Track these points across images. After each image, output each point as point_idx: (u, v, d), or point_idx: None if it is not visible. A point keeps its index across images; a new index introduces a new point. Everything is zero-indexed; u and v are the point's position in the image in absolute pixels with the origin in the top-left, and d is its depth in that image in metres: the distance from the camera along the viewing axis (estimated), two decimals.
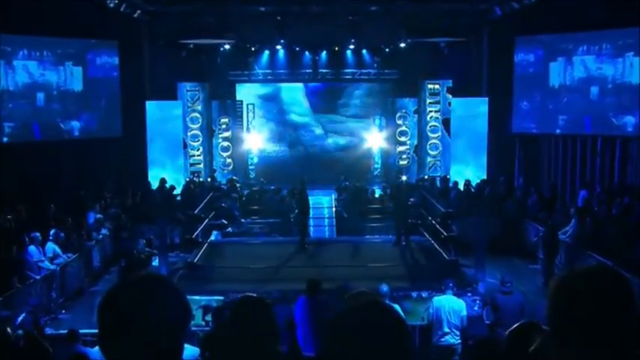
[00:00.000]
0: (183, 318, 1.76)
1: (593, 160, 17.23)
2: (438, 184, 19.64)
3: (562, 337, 1.64)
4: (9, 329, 8.43)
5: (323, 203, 19.38)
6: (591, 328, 1.60)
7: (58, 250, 12.84)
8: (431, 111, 21.88)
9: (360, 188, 19.16)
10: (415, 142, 22.43)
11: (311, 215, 16.41)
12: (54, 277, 12.33)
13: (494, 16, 18.89)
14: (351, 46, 21.58)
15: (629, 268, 9.80)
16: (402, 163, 22.40)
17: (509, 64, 19.26)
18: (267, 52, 21.84)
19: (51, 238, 12.77)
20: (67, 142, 17.81)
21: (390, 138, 22.60)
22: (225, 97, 22.22)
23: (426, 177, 20.95)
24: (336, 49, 21.84)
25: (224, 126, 22.15)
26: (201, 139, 21.32)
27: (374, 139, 22.82)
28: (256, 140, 22.58)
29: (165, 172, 19.01)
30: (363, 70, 22.27)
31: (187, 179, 20.00)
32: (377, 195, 19.61)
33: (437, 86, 21.77)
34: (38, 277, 11.86)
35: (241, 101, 22.55)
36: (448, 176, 19.90)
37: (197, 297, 10.96)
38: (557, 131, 18.53)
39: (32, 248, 12.08)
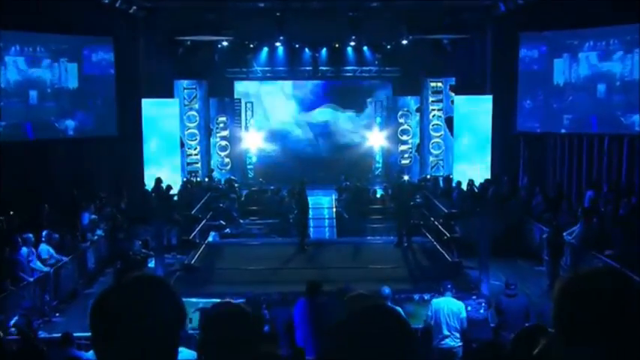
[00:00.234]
0: (179, 320, 1.74)
1: (599, 159, 17.19)
2: (441, 184, 19.62)
3: (568, 339, 1.63)
4: (1, 332, 8.43)
5: (323, 203, 19.37)
6: (598, 330, 1.59)
7: (52, 251, 12.82)
8: (433, 109, 21.87)
9: (361, 188, 19.15)
10: (417, 141, 22.41)
11: (310, 216, 16.40)
12: (47, 279, 12.30)
13: (498, 12, 18.88)
14: (352, 43, 21.57)
15: (636, 270, 9.79)
16: (403, 162, 22.39)
17: (514, 62, 19.21)
18: (266, 49, 21.84)
19: (43, 239, 12.74)
20: (61, 140, 17.74)
21: (391, 137, 22.59)
22: (223, 95, 22.22)
23: (428, 177, 20.94)
24: (337, 45, 21.83)
25: (222, 124, 22.14)
26: (198, 137, 21.30)
27: (375, 138, 22.82)
28: (255, 139, 22.56)
29: (161, 172, 18.98)
30: (364, 68, 22.26)
31: (185, 179, 19.99)
32: (378, 195, 19.60)
33: (439, 84, 21.76)
34: (31, 280, 11.83)
35: (239, 99, 22.54)
36: (451, 176, 19.88)
37: (194, 299, 10.92)
38: (562, 131, 18.48)
39: (25, 250, 12.05)
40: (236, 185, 20.11)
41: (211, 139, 22.00)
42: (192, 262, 14.42)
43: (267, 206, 18.59)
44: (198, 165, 21.35)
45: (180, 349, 1.80)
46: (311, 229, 16.79)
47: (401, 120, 22.54)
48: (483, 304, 9.62)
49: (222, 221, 17.37)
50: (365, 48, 21.88)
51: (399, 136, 22.56)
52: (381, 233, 17.47)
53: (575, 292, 1.64)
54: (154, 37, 19.38)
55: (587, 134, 17.74)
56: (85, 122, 18.35)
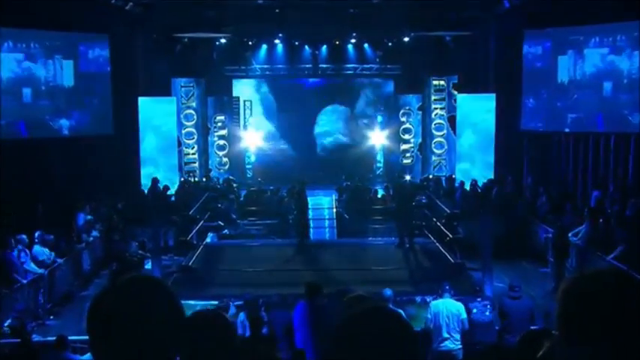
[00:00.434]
0: (177, 322, 1.74)
1: (606, 158, 17.15)
2: (444, 183, 19.60)
3: (572, 342, 1.62)
4: None
5: (323, 204, 19.35)
6: (602, 332, 1.58)
7: (46, 252, 12.79)
8: (436, 108, 21.87)
9: (362, 188, 19.13)
10: (419, 140, 22.41)
11: (310, 216, 16.39)
12: (42, 281, 12.27)
13: (502, 9, 18.82)
14: (353, 41, 21.57)
15: None
16: (405, 161, 22.39)
17: (518, 59, 19.18)
18: (265, 46, 21.84)
19: (36, 240, 12.71)
20: (55, 139, 17.68)
21: (393, 136, 22.58)
22: (222, 94, 22.21)
23: (430, 176, 20.93)
24: (337, 43, 21.84)
25: (220, 123, 22.14)
26: (196, 136, 21.30)
27: (376, 137, 22.81)
28: (254, 138, 22.55)
29: (158, 172, 18.96)
30: (365, 65, 22.27)
31: (182, 179, 19.97)
32: (379, 195, 19.59)
33: (442, 82, 21.76)
34: (25, 282, 11.80)
35: (238, 97, 22.54)
36: (454, 176, 19.86)
37: (192, 302, 10.91)
38: (567, 130, 18.42)
39: (18, 251, 12.02)
40: (235, 186, 20.10)
41: (209, 139, 21.99)
42: (190, 263, 14.40)
43: (267, 207, 18.57)
44: (196, 165, 21.34)
45: None
46: (311, 230, 16.76)
47: (403, 119, 22.53)
48: (489, 307, 9.60)
49: (220, 222, 17.35)
50: (366, 45, 21.88)
51: (401, 135, 22.56)
52: (383, 234, 17.45)
53: (578, 293, 1.64)
54: (150, 34, 19.37)
55: (593, 133, 17.68)
56: (81, 121, 18.28)
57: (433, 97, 21.88)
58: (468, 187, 18.34)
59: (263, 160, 22.74)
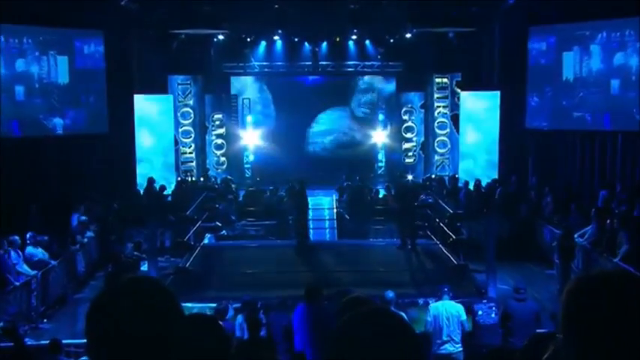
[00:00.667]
0: (178, 324, 1.73)
1: (613, 157, 17.11)
2: (447, 183, 19.59)
3: (576, 345, 1.61)
4: None
5: (323, 204, 19.34)
6: (607, 335, 1.56)
7: (40, 253, 12.77)
8: (439, 106, 21.87)
9: (363, 188, 19.10)
10: (422, 139, 22.40)
11: (310, 217, 16.37)
12: (35, 283, 12.25)
13: (506, 5, 18.81)
14: (354, 37, 21.57)
15: None
16: (407, 161, 22.39)
17: (523, 56, 19.15)
18: (263, 43, 21.83)
19: (28, 241, 12.68)
20: (49, 138, 17.63)
21: (394, 135, 22.57)
22: (219, 91, 22.20)
23: (433, 176, 20.92)
24: (338, 39, 21.83)
25: (218, 122, 22.12)
26: (193, 135, 21.29)
27: (377, 136, 22.79)
28: (252, 137, 22.55)
29: (154, 171, 18.95)
30: (366, 63, 22.27)
31: (179, 179, 19.96)
32: (381, 195, 19.57)
33: (445, 80, 21.76)
34: (17, 284, 11.78)
35: (236, 95, 22.53)
36: (457, 175, 19.85)
37: (189, 304, 10.89)
38: (572, 129, 18.35)
39: (11, 252, 11.99)
40: (233, 186, 20.09)
41: (207, 137, 21.98)
42: (187, 265, 14.38)
43: (266, 207, 18.54)
44: (193, 164, 21.34)
45: None
46: (311, 231, 16.74)
47: (405, 117, 22.53)
48: (494, 309, 9.60)
49: (218, 223, 17.34)
50: (367, 42, 21.87)
51: (403, 134, 22.54)
52: (384, 235, 17.43)
53: (583, 293, 1.63)
54: (146, 31, 19.33)
55: (600, 131, 17.62)
56: (76, 119, 18.17)
57: (436, 95, 21.87)
58: (472, 187, 18.34)
59: (262, 160, 22.72)
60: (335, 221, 18.25)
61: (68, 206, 15.77)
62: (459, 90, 21.07)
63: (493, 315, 9.49)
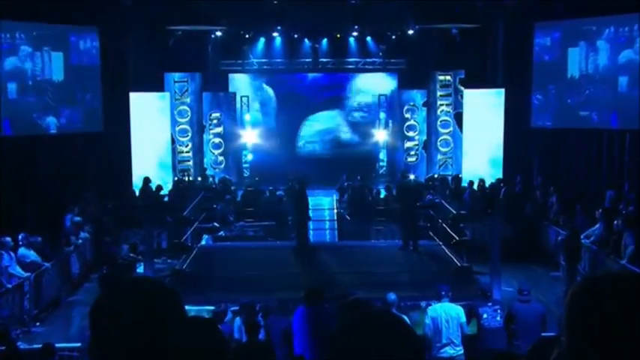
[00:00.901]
0: (182, 324, 1.78)
1: (620, 157, 17.08)
2: (450, 183, 19.57)
3: (580, 348, 1.61)
4: None
5: (324, 205, 19.34)
6: (612, 338, 1.57)
7: (33, 255, 12.74)
8: (442, 104, 21.86)
9: (364, 188, 19.09)
10: (424, 138, 22.38)
11: (310, 217, 16.35)
12: (27, 285, 12.23)
13: (511, 0, 18.80)
14: (355, 33, 21.57)
15: None
16: (409, 160, 22.37)
17: (528, 53, 19.13)
18: (262, 39, 21.84)
19: (21, 243, 12.66)
20: (42, 137, 17.58)
21: (396, 133, 22.55)
22: (217, 89, 22.18)
23: (436, 175, 20.90)
24: (338, 36, 21.85)
25: (216, 120, 22.11)
26: (190, 134, 21.28)
27: (379, 135, 22.79)
28: (251, 136, 22.54)
29: (151, 171, 18.94)
30: (368, 60, 22.28)
31: (176, 178, 19.95)
32: (382, 195, 19.56)
33: (448, 77, 21.74)
34: (10, 286, 11.76)
35: (234, 93, 22.52)
36: (460, 175, 19.84)
37: (186, 307, 10.86)
38: (578, 128, 18.30)
39: (3, 254, 11.97)
40: (232, 188, 20.08)
41: (204, 136, 21.96)
42: (184, 267, 14.35)
43: (264, 207, 18.53)
44: (190, 163, 21.33)
45: None
46: (311, 232, 16.73)
47: (407, 115, 22.51)
48: (499, 311, 9.58)
49: (215, 223, 17.32)
50: (368, 38, 21.88)
51: (405, 133, 22.53)
52: (386, 236, 17.42)
53: (588, 297, 1.63)
54: (142, 27, 19.30)
55: (607, 130, 17.56)
56: (71, 118, 18.09)
57: (439, 93, 21.85)
58: (475, 187, 18.33)
59: (261, 159, 22.71)
60: (335, 222, 18.25)
61: (62, 206, 15.74)
62: (462, 88, 21.06)
63: (498, 318, 9.47)
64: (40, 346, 8.45)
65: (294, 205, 16.37)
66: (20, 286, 12.01)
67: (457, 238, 14.73)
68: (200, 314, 10.74)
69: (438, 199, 17.01)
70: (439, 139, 21.92)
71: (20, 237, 12.71)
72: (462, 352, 8.88)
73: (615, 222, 13.51)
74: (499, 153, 19.71)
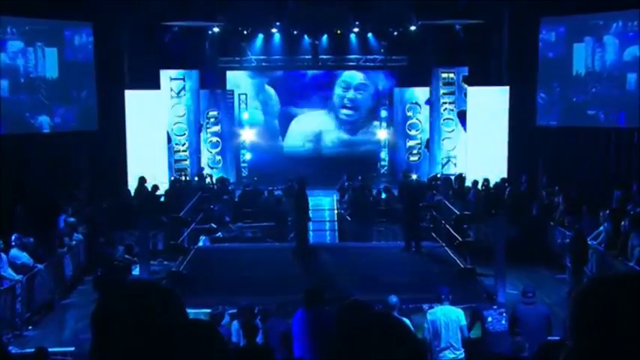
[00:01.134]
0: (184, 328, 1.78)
1: (628, 156, 17.06)
2: (454, 183, 19.56)
3: (587, 350, 1.60)
4: None
5: (324, 205, 19.35)
6: (619, 341, 1.56)
7: (25, 257, 12.72)
8: (444, 102, 21.85)
9: (365, 188, 19.09)
10: (426, 137, 22.37)
11: (310, 217, 16.35)
12: (19, 288, 12.21)
13: None
14: (355, 30, 21.57)
15: None
16: (412, 159, 22.37)
17: (533, 50, 19.10)
18: (261, 35, 21.83)
19: (13, 243, 12.64)
20: (35, 135, 17.55)
21: (398, 132, 22.55)
22: (215, 87, 22.18)
23: (438, 175, 20.91)
24: (339, 32, 21.83)
25: (213, 119, 22.11)
26: (187, 133, 21.27)
27: (380, 134, 22.80)
28: (249, 135, 22.54)
29: (146, 171, 18.91)
30: (369, 56, 22.28)
31: (172, 178, 19.95)
32: (384, 196, 19.55)
33: (451, 74, 21.73)
34: (1, 289, 11.75)
35: (232, 91, 22.52)
36: (464, 175, 19.83)
37: None
38: (584, 126, 18.27)
39: None
40: (231, 189, 20.08)
41: (201, 135, 21.96)
42: (181, 269, 14.35)
43: (263, 208, 18.53)
44: (187, 163, 21.32)
45: None
46: (310, 233, 16.73)
47: (409, 113, 22.52)
48: (504, 315, 9.58)
49: (213, 224, 17.32)
50: (369, 35, 21.88)
51: (407, 131, 22.53)
52: (387, 237, 17.43)
53: (594, 299, 1.62)
54: (137, 23, 19.28)
55: (614, 129, 17.53)
56: (66, 117, 18.05)
57: (442, 91, 21.85)
58: (480, 186, 18.32)
59: (259, 159, 22.72)
60: (336, 223, 18.25)
61: (55, 207, 15.74)
62: (465, 85, 21.05)
63: (503, 322, 9.47)
64: (32, 350, 8.43)
65: (293, 205, 16.37)
66: (12, 289, 11.99)
67: (460, 239, 14.73)
68: (197, 317, 10.75)
69: (443, 199, 17.00)
70: (442, 138, 21.92)
71: (13, 237, 12.70)
72: (462, 355, 8.89)
73: (623, 223, 13.50)
74: (503, 152, 19.70)
